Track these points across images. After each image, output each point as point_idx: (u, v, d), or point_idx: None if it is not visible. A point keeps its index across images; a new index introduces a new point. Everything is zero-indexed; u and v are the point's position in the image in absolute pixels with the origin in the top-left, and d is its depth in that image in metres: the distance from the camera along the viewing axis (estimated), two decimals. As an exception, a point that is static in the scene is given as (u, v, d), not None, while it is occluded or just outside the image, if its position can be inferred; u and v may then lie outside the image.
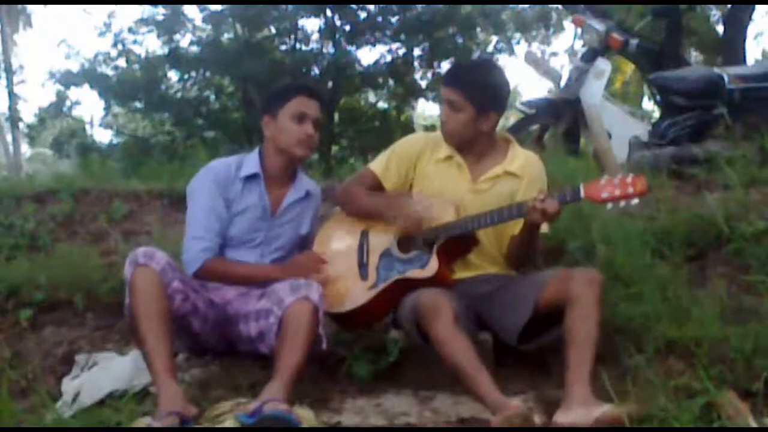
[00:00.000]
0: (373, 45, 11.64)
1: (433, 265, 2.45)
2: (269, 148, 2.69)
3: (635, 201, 2.28)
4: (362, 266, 2.58)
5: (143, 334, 2.25)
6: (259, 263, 2.65)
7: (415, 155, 2.67)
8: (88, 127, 12.64)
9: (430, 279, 2.45)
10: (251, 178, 2.66)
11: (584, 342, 2.18)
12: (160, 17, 11.48)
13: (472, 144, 2.61)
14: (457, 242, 2.51)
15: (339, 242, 2.67)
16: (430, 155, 2.66)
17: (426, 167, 2.65)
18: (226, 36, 11.60)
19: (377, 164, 2.72)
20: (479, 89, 2.53)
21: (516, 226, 2.52)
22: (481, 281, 2.57)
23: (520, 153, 2.66)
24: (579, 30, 5.31)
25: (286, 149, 2.65)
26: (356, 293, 2.54)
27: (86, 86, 11.09)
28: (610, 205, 2.30)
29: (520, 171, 2.61)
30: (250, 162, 2.68)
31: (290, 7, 10.84)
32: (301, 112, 2.62)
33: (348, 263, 2.61)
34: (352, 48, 11.47)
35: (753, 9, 8.63)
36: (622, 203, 2.28)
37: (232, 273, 2.60)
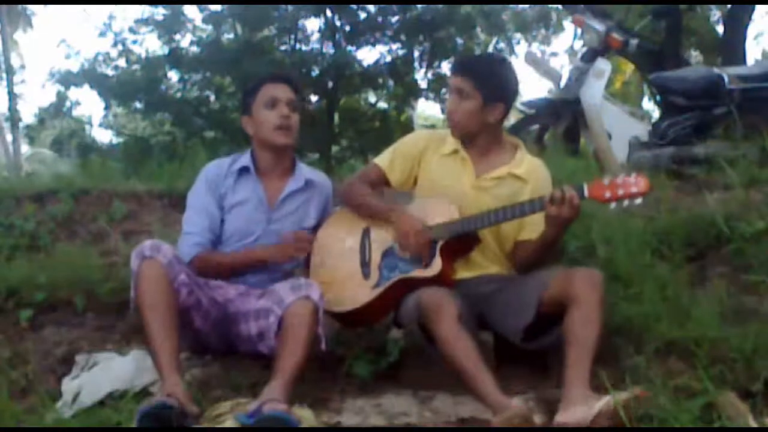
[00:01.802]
0: (373, 45, 11.64)
1: (436, 265, 2.45)
2: (255, 144, 2.74)
3: (639, 200, 2.27)
4: (364, 265, 2.58)
5: (149, 327, 2.25)
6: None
7: (418, 152, 2.68)
8: (87, 127, 12.63)
9: (434, 279, 2.45)
10: (243, 170, 2.70)
11: (585, 343, 2.17)
12: (160, 17, 11.49)
13: (478, 137, 2.60)
14: (459, 241, 2.51)
15: (341, 240, 2.67)
16: (434, 151, 2.66)
17: (430, 163, 2.66)
18: (226, 36, 11.60)
19: (382, 159, 2.73)
20: (488, 78, 2.54)
21: (522, 230, 2.53)
22: (483, 281, 2.56)
23: (527, 158, 2.65)
24: (579, 30, 5.31)
25: (267, 140, 2.68)
26: (359, 292, 2.54)
27: (86, 86, 11.09)
28: (613, 205, 2.30)
29: (526, 175, 2.60)
30: (243, 157, 2.74)
31: (290, 7, 10.84)
32: (271, 97, 2.66)
33: (350, 262, 2.61)
34: (352, 48, 11.46)
35: (753, 9, 8.65)
36: (626, 202, 2.28)
37: (222, 262, 2.62)
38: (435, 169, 2.64)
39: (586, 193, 2.32)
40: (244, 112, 2.74)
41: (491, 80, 2.54)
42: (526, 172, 2.61)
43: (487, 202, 2.52)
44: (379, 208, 2.63)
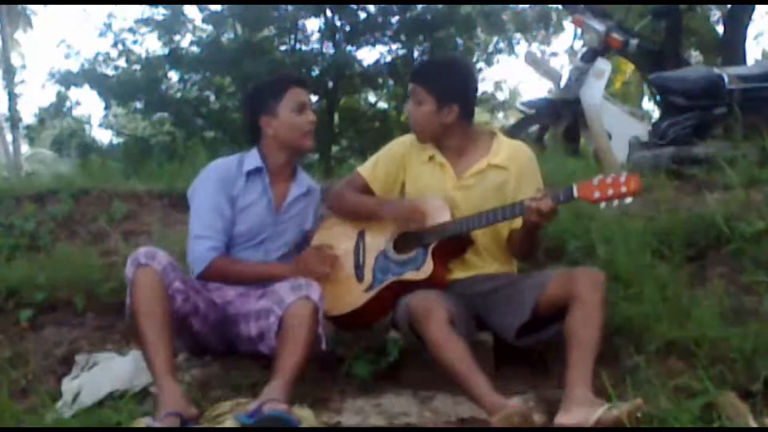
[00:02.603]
0: (373, 45, 11.66)
1: (428, 267, 2.46)
2: (271, 145, 2.68)
3: (629, 200, 2.27)
4: (358, 267, 2.59)
5: (144, 334, 2.25)
6: (266, 261, 2.63)
7: (401, 157, 2.69)
8: (87, 127, 12.63)
9: (426, 280, 2.45)
10: (254, 172, 2.66)
11: (587, 344, 2.17)
12: (160, 17, 11.49)
13: (446, 139, 2.61)
14: (451, 243, 2.51)
15: (335, 243, 2.67)
16: (416, 156, 2.67)
17: (414, 168, 2.67)
18: (226, 36, 11.61)
19: (365, 168, 2.74)
20: (440, 82, 2.56)
21: (516, 221, 2.53)
22: (479, 281, 2.56)
23: (504, 144, 2.64)
24: (579, 30, 5.31)
25: (292, 144, 2.66)
26: (353, 295, 2.54)
27: (86, 86, 11.10)
28: (603, 205, 2.30)
29: (506, 162, 2.60)
30: (252, 158, 2.69)
31: (290, 7, 10.85)
32: (300, 103, 2.65)
33: (344, 265, 2.61)
34: (352, 48, 11.48)
35: (753, 9, 8.65)
36: (616, 202, 2.28)
37: (241, 272, 2.59)
38: (418, 175, 2.65)
39: (575, 193, 2.32)
40: (263, 112, 2.66)
41: (443, 83, 2.55)
42: (506, 159, 2.60)
43: (474, 200, 2.53)
44: (371, 206, 2.63)
